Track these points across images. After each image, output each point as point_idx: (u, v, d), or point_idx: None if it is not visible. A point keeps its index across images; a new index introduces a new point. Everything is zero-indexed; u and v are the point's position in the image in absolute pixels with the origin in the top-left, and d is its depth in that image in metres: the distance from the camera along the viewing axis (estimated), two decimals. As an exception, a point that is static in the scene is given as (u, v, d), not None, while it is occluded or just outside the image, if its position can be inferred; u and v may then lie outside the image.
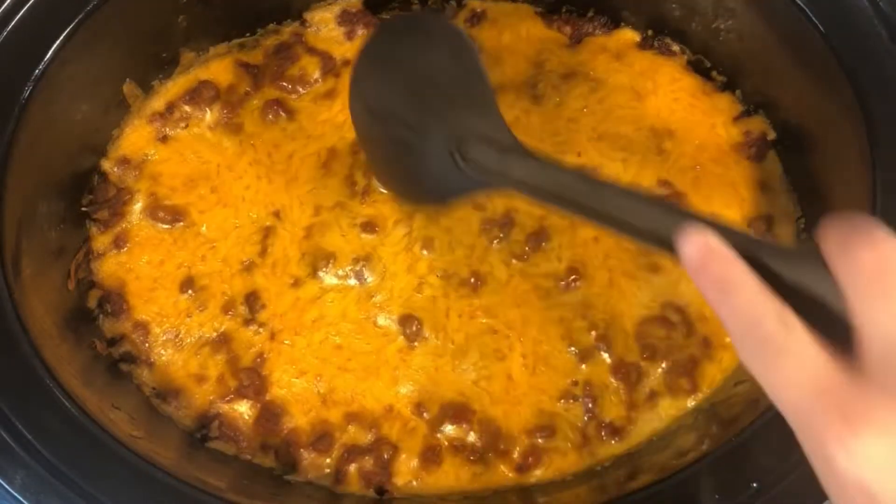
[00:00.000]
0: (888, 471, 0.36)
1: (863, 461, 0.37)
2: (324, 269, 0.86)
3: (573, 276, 0.85)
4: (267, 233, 0.88)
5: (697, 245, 0.43)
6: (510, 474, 0.81)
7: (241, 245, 0.88)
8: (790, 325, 0.40)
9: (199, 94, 0.91)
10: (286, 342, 0.85)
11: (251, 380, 0.83)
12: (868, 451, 0.37)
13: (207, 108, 0.91)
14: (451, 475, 0.81)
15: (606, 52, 0.92)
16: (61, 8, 0.78)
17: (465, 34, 0.69)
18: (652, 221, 0.49)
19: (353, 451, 0.81)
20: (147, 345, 0.85)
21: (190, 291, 0.86)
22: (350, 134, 0.90)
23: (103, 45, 0.83)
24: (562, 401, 0.82)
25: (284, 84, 0.92)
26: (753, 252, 0.42)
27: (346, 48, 0.96)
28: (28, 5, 0.77)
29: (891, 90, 0.74)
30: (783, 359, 0.40)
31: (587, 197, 0.54)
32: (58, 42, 0.78)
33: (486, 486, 0.81)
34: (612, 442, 0.81)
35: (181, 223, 0.88)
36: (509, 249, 0.86)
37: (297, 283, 0.86)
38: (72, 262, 0.85)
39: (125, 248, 0.87)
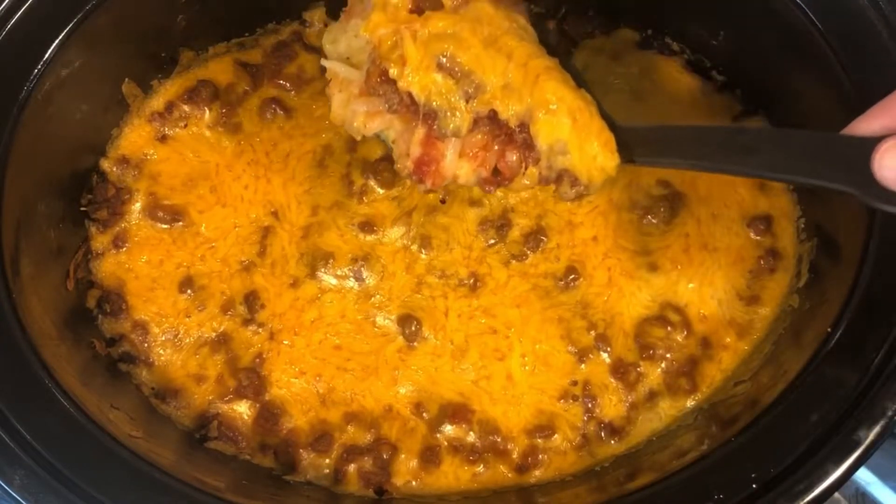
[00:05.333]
0: None
1: None
2: (322, 270, 0.86)
3: (572, 276, 0.85)
4: (265, 233, 0.88)
5: None
6: (510, 474, 0.81)
7: (240, 245, 0.88)
8: None
9: (197, 94, 0.91)
10: (285, 342, 0.85)
11: (250, 380, 0.83)
12: None
13: (206, 108, 0.91)
14: (451, 475, 0.81)
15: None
16: (61, 8, 0.78)
17: None
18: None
19: (352, 452, 0.81)
20: (146, 345, 0.85)
21: (189, 291, 0.86)
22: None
23: (102, 45, 0.83)
24: (561, 401, 0.82)
25: (282, 82, 0.92)
26: None
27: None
28: (27, 5, 0.77)
29: (890, 90, 0.74)
30: None
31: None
32: (57, 42, 0.78)
33: (485, 487, 0.81)
34: (612, 442, 0.81)
35: (180, 223, 0.88)
36: (507, 250, 0.86)
37: (295, 284, 0.86)
38: (71, 261, 0.85)
39: (124, 248, 0.87)
